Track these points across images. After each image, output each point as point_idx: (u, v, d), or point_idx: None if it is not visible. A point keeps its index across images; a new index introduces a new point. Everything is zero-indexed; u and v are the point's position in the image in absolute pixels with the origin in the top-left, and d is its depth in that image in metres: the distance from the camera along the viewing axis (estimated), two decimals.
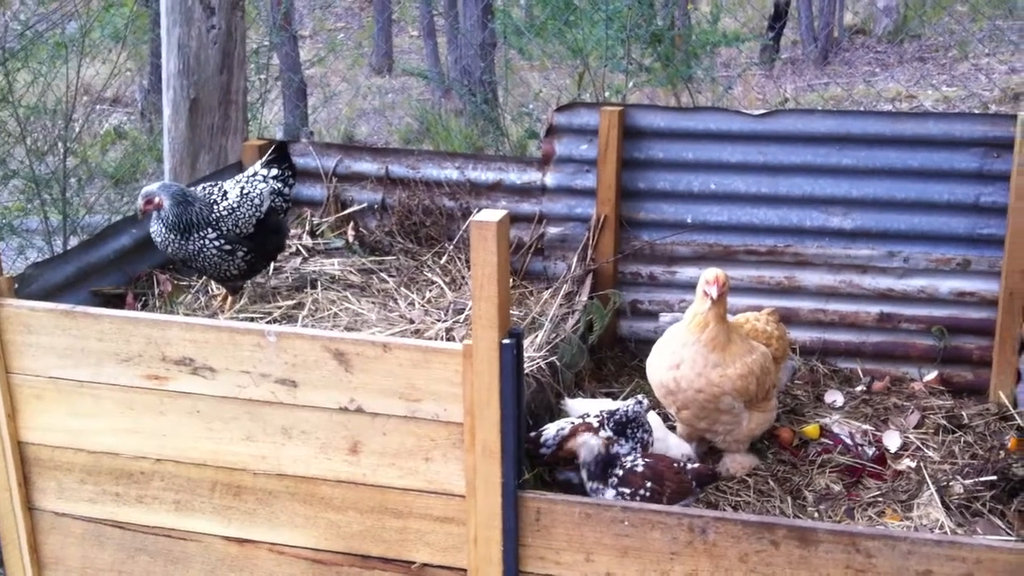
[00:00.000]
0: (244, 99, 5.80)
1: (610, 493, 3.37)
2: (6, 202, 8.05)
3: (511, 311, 4.31)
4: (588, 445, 3.42)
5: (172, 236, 4.09)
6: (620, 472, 3.40)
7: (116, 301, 4.20)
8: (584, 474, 3.44)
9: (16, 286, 3.36)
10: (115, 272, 4.31)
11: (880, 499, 3.69)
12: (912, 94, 13.49)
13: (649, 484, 3.36)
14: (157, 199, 4.05)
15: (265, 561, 3.24)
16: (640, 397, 3.62)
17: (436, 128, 11.91)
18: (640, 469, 3.40)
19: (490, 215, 2.80)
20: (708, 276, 3.77)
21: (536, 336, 4.05)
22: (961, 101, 13.04)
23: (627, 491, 3.36)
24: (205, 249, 4.12)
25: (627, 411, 3.54)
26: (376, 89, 16.18)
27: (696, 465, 3.54)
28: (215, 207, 4.17)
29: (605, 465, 3.41)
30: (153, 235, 4.14)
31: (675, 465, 3.48)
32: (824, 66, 15.34)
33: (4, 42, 7.44)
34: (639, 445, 3.53)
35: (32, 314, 3.18)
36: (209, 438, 3.15)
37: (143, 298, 4.34)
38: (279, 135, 12.15)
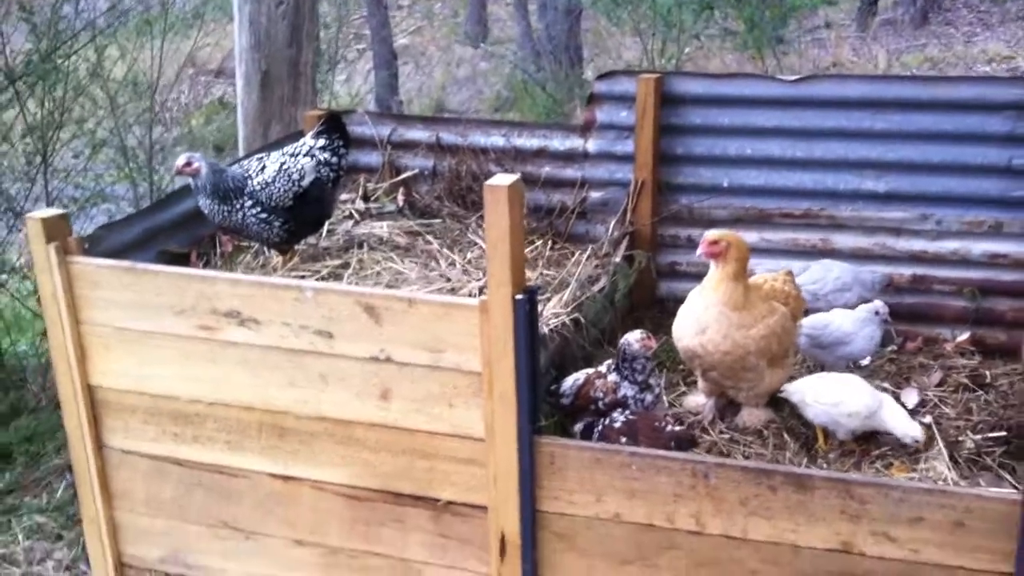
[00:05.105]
0: (312, 72, 6.09)
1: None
2: (100, 171, 8.51)
3: (546, 271, 4.54)
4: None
5: (215, 205, 4.37)
6: (600, 428, 3.60)
7: (181, 260, 4.51)
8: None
9: (87, 246, 3.68)
10: (182, 233, 4.62)
11: (889, 452, 3.81)
12: (1010, 54, 13.07)
13: (624, 440, 3.52)
14: (195, 164, 4.34)
15: (308, 496, 3.51)
16: (639, 334, 3.75)
17: (524, 96, 11.97)
18: (618, 425, 3.57)
19: (503, 179, 3.01)
20: (708, 236, 3.87)
21: (563, 295, 4.25)
22: None
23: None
24: (247, 218, 4.41)
25: (624, 349, 3.71)
26: (468, 57, 16.27)
27: (677, 428, 3.60)
28: (249, 181, 4.41)
29: (611, 408, 3.60)
30: (201, 207, 4.43)
31: (656, 424, 3.59)
32: (923, 27, 14.90)
33: (94, 19, 7.86)
34: (643, 388, 3.69)
35: (98, 271, 3.50)
36: (256, 384, 3.42)
37: (205, 257, 4.66)
38: (372, 105, 12.42)
